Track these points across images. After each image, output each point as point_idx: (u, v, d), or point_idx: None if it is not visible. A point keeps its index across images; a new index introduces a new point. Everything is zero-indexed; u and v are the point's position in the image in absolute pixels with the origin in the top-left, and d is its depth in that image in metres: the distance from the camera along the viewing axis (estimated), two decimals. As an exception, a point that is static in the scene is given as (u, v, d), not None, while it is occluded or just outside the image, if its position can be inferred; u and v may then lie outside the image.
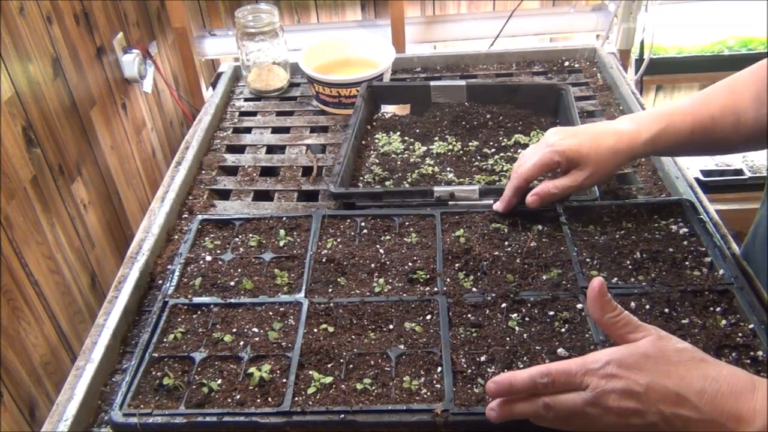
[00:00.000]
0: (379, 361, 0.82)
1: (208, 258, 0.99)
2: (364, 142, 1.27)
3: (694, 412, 0.60)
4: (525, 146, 1.23)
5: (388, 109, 1.37)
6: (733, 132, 0.90)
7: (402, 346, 0.83)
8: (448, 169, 1.18)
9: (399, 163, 1.20)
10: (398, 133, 1.29)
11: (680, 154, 1.11)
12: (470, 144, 1.24)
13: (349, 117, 1.30)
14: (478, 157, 1.21)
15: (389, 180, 1.16)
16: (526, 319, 0.86)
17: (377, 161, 1.21)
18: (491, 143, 1.24)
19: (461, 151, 1.23)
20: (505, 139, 1.25)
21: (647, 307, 0.86)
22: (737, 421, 0.59)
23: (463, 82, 1.34)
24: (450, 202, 1.08)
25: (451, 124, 1.30)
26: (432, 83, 1.35)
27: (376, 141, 1.27)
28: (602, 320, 0.68)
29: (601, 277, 0.69)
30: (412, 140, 1.27)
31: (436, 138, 1.27)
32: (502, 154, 1.21)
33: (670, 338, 0.66)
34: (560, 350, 0.81)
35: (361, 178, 1.17)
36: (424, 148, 1.24)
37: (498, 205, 1.03)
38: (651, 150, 0.95)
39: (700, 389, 0.61)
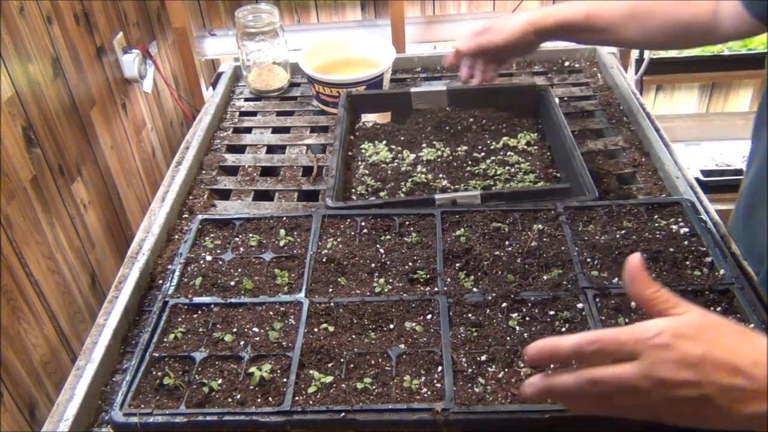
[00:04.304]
0: (380, 360, 0.82)
1: (209, 258, 0.99)
2: (350, 153, 1.26)
3: (749, 383, 0.58)
4: (514, 149, 1.23)
5: (369, 118, 1.36)
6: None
7: (402, 346, 0.83)
8: (441, 175, 1.17)
9: (390, 172, 1.19)
10: (383, 141, 1.28)
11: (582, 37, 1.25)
12: (459, 149, 1.23)
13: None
14: (470, 162, 1.20)
15: (383, 191, 1.15)
16: (527, 318, 0.86)
17: (367, 172, 1.19)
18: (480, 147, 1.24)
19: (450, 157, 1.22)
20: (494, 143, 1.24)
21: (648, 306, 0.86)
22: None
23: (443, 87, 1.34)
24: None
25: (434, 130, 1.29)
26: (412, 89, 1.34)
27: (363, 151, 1.26)
28: (643, 296, 0.64)
29: (637, 254, 0.65)
30: (399, 148, 1.26)
31: (423, 144, 1.26)
32: (493, 158, 1.20)
33: (714, 314, 0.64)
34: (561, 350, 0.81)
35: (353, 190, 1.16)
36: (413, 156, 1.23)
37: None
38: (551, 23, 1.17)
39: (754, 360, 0.59)
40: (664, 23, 1.10)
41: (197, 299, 0.92)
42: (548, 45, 1.37)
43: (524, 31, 1.19)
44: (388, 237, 1.01)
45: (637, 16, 1.11)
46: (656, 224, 1.00)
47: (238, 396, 0.78)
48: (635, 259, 0.64)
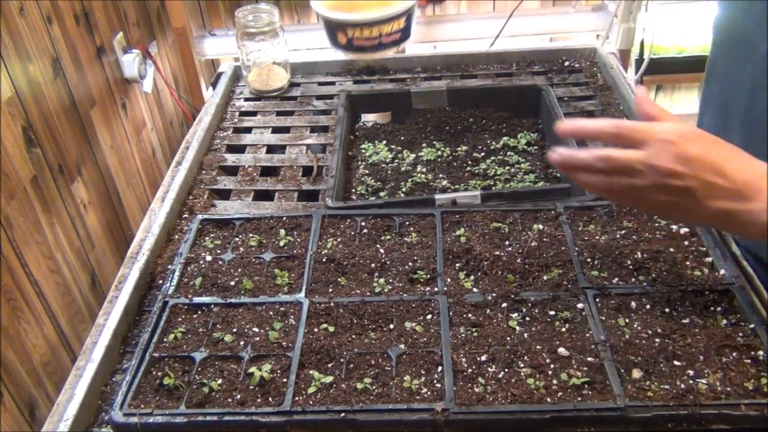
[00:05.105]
0: (380, 360, 0.82)
1: (209, 258, 0.99)
2: (350, 153, 1.26)
3: (728, 183, 0.69)
4: (514, 149, 1.23)
5: (369, 118, 1.36)
6: None
7: (402, 346, 0.83)
8: (441, 175, 1.17)
9: (390, 172, 1.19)
10: (383, 141, 1.28)
11: None
12: (459, 149, 1.23)
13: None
14: (469, 162, 1.20)
15: (383, 191, 1.15)
16: (527, 318, 0.86)
17: (367, 172, 1.19)
18: (480, 147, 1.24)
19: (450, 157, 1.22)
20: (494, 143, 1.24)
21: (648, 306, 0.86)
22: (752, 200, 0.69)
23: (443, 87, 1.34)
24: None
25: (435, 130, 1.29)
26: (412, 89, 1.34)
27: (363, 151, 1.26)
28: (651, 113, 0.75)
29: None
30: (399, 148, 1.26)
31: (423, 144, 1.26)
32: (493, 158, 1.20)
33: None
34: (561, 349, 0.81)
35: (354, 190, 1.16)
36: (413, 156, 1.23)
37: None
38: None
39: (739, 167, 0.70)
40: None
41: (197, 299, 0.92)
42: (548, 45, 1.37)
43: None
44: (388, 237, 1.01)
45: None
46: (656, 224, 1.00)
47: (238, 396, 0.78)
48: (642, 89, 0.78)
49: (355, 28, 1.24)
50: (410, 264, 0.95)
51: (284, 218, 1.06)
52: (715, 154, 0.70)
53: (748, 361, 0.78)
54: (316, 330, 0.86)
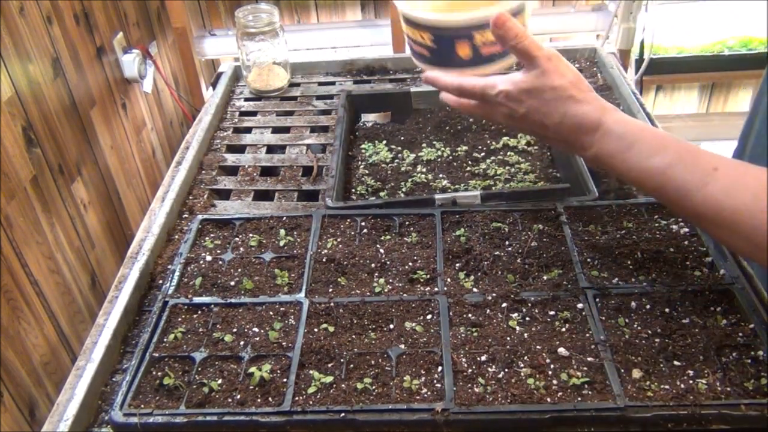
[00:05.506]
0: (380, 360, 0.82)
1: (209, 258, 0.99)
2: (350, 153, 1.26)
3: (552, 134, 0.85)
4: (514, 149, 1.23)
5: (369, 118, 1.36)
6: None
7: (402, 346, 0.83)
8: (441, 176, 1.17)
9: (390, 172, 1.19)
10: (383, 141, 1.28)
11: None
12: (459, 149, 1.23)
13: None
14: (470, 162, 1.20)
15: (383, 191, 1.15)
16: (527, 318, 0.86)
17: (367, 172, 1.19)
18: (480, 147, 1.24)
19: (450, 157, 1.22)
20: (494, 143, 1.24)
21: (648, 306, 0.86)
22: (581, 148, 0.84)
23: None
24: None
25: (435, 130, 1.29)
26: (412, 89, 1.34)
27: (363, 151, 1.26)
28: (507, 46, 0.84)
29: (500, 15, 0.83)
30: (399, 148, 1.26)
31: (424, 144, 1.26)
32: (493, 158, 1.20)
33: (552, 73, 0.83)
34: (561, 349, 0.81)
35: (353, 190, 1.16)
36: (413, 156, 1.23)
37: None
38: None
39: (558, 122, 0.83)
40: None
41: (197, 299, 0.92)
42: (548, 44, 1.36)
43: None
44: (388, 237, 1.01)
45: None
46: (656, 224, 1.00)
47: (238, 396, 0.78)
48: (496, 18, 0.83)
49: (483, 30, 0.88)
50: (410, 264, 0.95)
51: (284, 218, 1.06)
52: (539, 113, 0.83)
53: (748, 361, 0.78)
54: (316, 330, 0.86)
